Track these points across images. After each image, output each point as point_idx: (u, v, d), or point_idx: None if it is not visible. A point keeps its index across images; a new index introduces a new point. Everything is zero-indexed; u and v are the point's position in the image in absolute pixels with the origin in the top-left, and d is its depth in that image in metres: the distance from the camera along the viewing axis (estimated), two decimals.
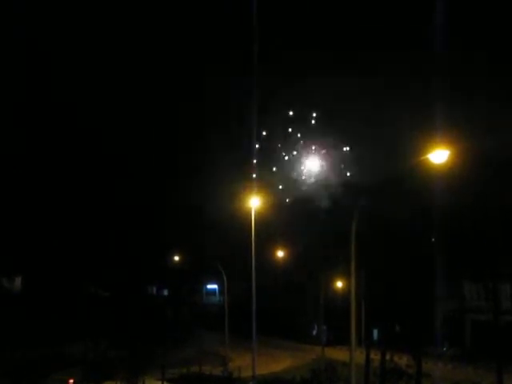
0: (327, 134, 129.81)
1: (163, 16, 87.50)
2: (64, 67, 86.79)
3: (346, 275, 65.07)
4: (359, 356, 35.71)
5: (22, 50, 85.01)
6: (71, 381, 50.67)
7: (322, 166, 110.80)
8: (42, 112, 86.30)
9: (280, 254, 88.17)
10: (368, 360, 47.63)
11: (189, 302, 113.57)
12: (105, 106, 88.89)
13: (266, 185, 67.33)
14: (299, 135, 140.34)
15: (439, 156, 21.67)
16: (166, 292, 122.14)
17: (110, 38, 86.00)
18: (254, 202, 49.41)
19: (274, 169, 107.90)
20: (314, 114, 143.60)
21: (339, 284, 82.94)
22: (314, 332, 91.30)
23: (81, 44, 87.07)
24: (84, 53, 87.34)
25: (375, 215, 42.98)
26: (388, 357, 48.14)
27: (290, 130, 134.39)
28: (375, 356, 49.25)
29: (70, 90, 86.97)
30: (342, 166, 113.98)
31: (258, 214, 50.29)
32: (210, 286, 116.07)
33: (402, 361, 51.85)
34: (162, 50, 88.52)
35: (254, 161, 73.33)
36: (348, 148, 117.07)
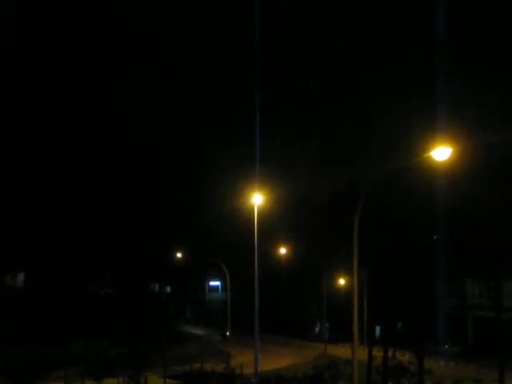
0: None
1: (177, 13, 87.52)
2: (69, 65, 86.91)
3: (348, 272, 65.13)
4: (361, 353, 35.74)
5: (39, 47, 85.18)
6: None
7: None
8: (45, 112, 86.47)
9: (283, 250, 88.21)
10: (370, 357, 47.61)
11: (192, 299, 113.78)
12: (102, 104, 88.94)
13: (269, 181, 67.20)
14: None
15: (442, 153, 21.66)
16: (168, 289, 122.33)
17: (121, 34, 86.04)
18: (257, 199, 49.43)
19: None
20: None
21: (342, 281, 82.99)
22: (317, 329, 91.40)
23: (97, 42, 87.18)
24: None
25: (377, 213, 42.99)
26: (390, 354, 48.16)
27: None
28: (377, 353, 49.26)
29: (70, 91, 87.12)
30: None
31: (260, 211, 50.29)
32: (212, 283, 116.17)
33: (405, 358, 51.94)
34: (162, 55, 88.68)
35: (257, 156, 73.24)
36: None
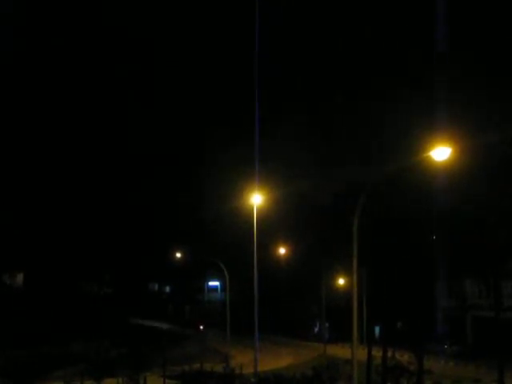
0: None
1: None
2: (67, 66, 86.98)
3: (348, 272, 65.10)
4: (361, 353, 35.69)
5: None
6: None
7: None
8: (45, 112, 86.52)
9: (282, 251, 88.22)
10: (370, 357, 47.58)
11: (191, 299, 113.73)
12: (102, 105, 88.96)
13: (268, 181, 67.24)
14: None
15: (441, 153, 21.62)
16: (168, 289, 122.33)
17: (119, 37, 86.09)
18: (256, 199, 49.46)
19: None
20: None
21: (341, 281, 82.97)
22: (316, 329, 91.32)
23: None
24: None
25: (377, 213, 42.99)
26: (390, 354, 48.09)
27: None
28: (377, 353, 49.21)
29: (66, 90, 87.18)
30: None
31: (260, 211, 50.30)
32: (212, 283, 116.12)
33: (404, 358, 51.82)
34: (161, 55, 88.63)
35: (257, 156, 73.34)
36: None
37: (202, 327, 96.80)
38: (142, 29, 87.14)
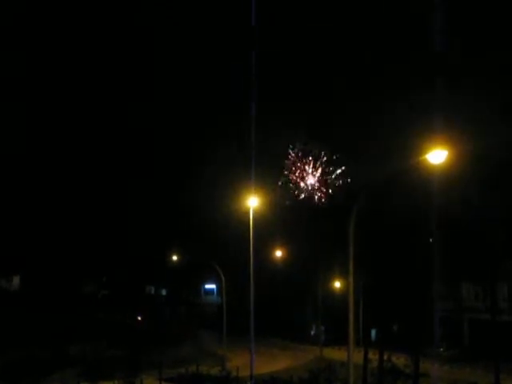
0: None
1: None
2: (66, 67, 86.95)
3: (344, 275, 65.10)
4: (357, 356, 35.71)
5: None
6: None
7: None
8: (45, 113, 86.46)
9: (278, 253, 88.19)
10: (366, 360, 47.63)
11: (187, 302, 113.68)
12: (101, 105, 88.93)
13: (264, 184, 67.21)
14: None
15: (437, 156, 21.62)
16: (164, 292, 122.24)
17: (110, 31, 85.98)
18: (253, 202, 49.45)
19: None
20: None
21: (337, 284, 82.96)
22: (313, 332, 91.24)
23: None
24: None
25: (373, 215, 43.02)
26: (386, 357, 48.18)
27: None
28: (373, 356, 49.27)
29: (67, 90, 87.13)
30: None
31: (256, 214, 50.30)
32: (208, 286, 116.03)
33: (400, 361, 51.92)
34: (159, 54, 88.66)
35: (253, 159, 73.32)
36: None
37: (140, 318, 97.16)
38: (142, 26, 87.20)
